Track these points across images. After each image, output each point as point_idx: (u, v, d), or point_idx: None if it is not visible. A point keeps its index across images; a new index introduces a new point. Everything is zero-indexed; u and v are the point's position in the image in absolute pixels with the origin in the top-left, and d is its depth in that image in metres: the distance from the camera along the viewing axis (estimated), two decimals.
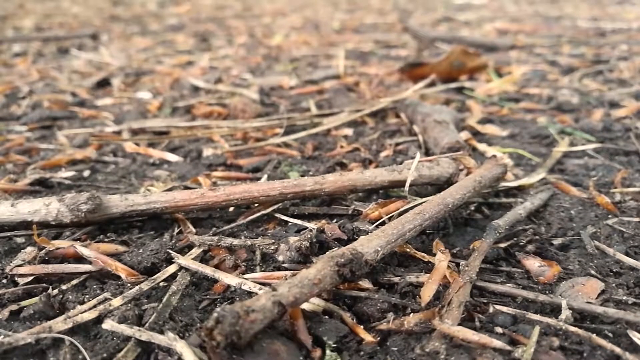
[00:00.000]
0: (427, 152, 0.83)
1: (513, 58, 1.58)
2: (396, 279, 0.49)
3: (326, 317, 0.44)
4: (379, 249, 0.46)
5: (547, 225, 0.60)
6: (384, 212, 0.60)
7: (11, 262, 0.53)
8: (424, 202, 0.56)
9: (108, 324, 0.42)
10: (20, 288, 0.49)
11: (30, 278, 0.50)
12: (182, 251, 0.55)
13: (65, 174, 0.78)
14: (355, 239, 0.48)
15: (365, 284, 0.48)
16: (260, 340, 0.38)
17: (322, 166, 0.78)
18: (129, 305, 0.45)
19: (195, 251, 0.54)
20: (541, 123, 0.97)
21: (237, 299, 0.47)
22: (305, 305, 0.44)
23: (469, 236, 0.58)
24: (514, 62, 1.51)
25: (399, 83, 1.31)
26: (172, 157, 0.85)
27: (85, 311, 0.44)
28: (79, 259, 0.53)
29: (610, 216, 0.62)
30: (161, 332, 0.41)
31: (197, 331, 0.41)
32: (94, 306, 0.45)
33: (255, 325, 0.36)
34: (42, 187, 0.74)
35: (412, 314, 0.44)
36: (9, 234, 0.59)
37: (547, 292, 0.48)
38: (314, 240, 0.52)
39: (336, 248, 0.52)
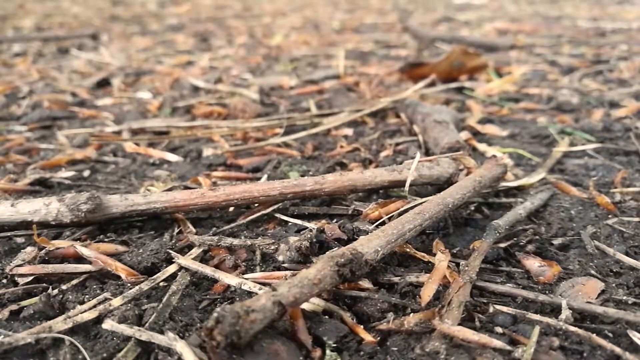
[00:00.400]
0: (427, 152, 0.83)
1: (513, 58, 1.58)
2: (396, 279, 0.49)
3: (326, 317, 0.44)
4: (379, 249, 0.46)
5: (547, 225, 0.60)
6: (384, 212, 0.59)
7: (11, 262, 0.53)
8: (424, 202, 0.56)
9: (108, 324, 0.42)
10: (20, 288, 0.49)
11: (30, 278, 0.50)
12: (182, 251, 0.55)
13: (65, 174, 0.78)
14: (355, 239, 0.48)
15: (365, 284, 0.48)
16: (260, 340, 0.38)
17: (322, 166, 0.78)
18: (129, 305, 0.45)
19: (195, 251, 0.54)
20: (541, 123, 0.97)
21: (237, 299, 0.47)
22: (305, 305, 0.44)
23: (469, 236, 0.58)
24: (514, 62, 1.51)
25: (399, 83, 1.31)
26: (172, 157, 0.85)
27: (85, 311, 0.44)
28: (79, 259, 0.53)
29: (610, 216, 0.62)
30: (161, 332, 0.41)
31: (197, 331, 0.42)
32: (94, 306, 0.45)
33: (255, 325, 0.36)
34: (42, 187, 0.74)
35: (412, 314, 0.44)
36: (9, 234, 0.59)
37: (547, 292, 0.48)
38: (314, 240, 0.52)
39: (336, 248, 0.52)
